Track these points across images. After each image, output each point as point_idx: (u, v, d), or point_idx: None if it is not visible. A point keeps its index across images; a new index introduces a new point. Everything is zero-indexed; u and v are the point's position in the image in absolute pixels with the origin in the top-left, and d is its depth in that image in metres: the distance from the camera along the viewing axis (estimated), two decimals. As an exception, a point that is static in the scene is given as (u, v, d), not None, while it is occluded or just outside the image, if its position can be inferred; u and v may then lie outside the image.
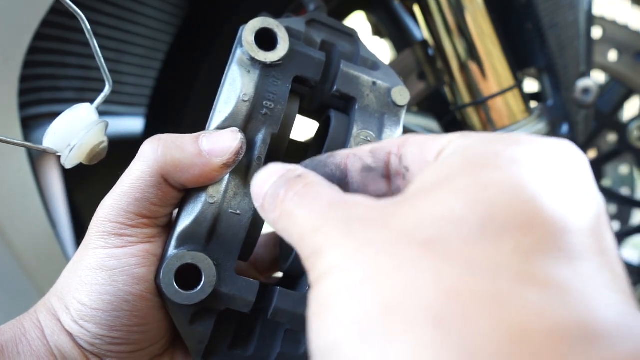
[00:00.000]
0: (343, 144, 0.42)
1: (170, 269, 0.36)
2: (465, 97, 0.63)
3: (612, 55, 0.69)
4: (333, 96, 0.43)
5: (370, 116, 0.43)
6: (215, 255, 0.38)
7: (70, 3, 0.39)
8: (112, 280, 0.36)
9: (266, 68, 0.41)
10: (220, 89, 0.42)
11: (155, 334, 0.38)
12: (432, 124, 0.65)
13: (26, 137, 0.59)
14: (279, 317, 0.39)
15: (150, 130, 0.79)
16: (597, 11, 0.64)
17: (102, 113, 0.78)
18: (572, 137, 0.66)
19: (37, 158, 0.63)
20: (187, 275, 0.36)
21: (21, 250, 0.58)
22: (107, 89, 0.42)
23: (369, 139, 0.42)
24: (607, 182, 1.00)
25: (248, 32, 0.41)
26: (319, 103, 0.45)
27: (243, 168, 0.39)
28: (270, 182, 0.30)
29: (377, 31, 1.07)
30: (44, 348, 0.36)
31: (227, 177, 0.39)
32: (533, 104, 0.66)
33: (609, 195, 0.79)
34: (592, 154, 0.99)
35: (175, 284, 0.36)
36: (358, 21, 0.99)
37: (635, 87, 0.70)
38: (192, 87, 0.73)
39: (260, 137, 0.40)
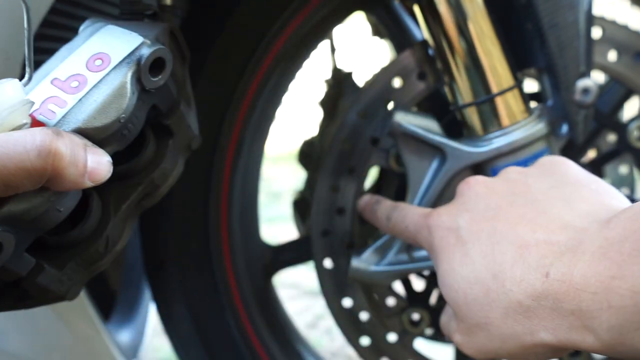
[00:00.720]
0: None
1: None
2: (465, 97, 0.63)
3: (612, 56, 0.69)
4: (158, 123, 0.47)
5: (175, 153, 0.49)
6: (19, 236, 0.38)
7: None
8: None
9: (143, 92, 0.43)
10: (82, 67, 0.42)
11: None
12: (432, 124, 0.66)
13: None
14: (32, 290, 0.42)
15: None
16: (596, 11, 0.64)
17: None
18: (571, 137, 0.66)
19: None
20: None
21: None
22: (26, 77, 0.41)
23: (165, 172, 0.50)
24: (606, 182, 1.00)
25: (151, 56, 0.42)
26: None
27: None
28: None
29: (376, 31, 1.07)
30: None
31: None
32: (532, 104, 0.66)
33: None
34: (592, 154, 0.99)
35: None
36: (358, 21, 0.99)
37: (635, 87, 0.70)
38: (193, 86, 0.73)
39: (107, 150, 0.42)
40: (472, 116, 0.63)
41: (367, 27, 1.08)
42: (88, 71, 0.42)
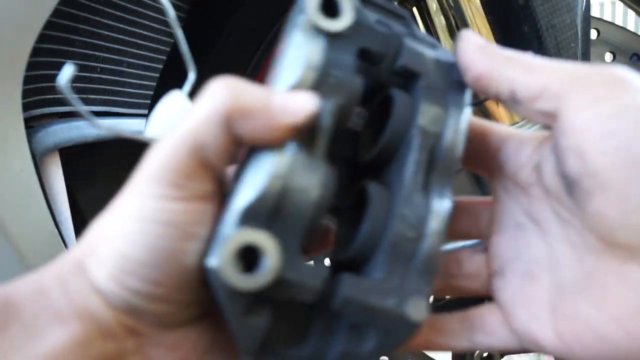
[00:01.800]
0: (408, 124, 0.38)
1: (231, 248, 0.30)
2: (464, 98, 0.64)
3: (608, 57, 0.69)
4: (394, 74, 0.39)
5: (435, 95, 0.39)
6: (278, 236, 0.32)
7: None
8: (166, 234, 0.31)
9: (331, 38, 0.37)
10: (276, 61, 0.38)
11: (196, 296, 0.33)
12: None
13: (28, 137, 0.60)
14: (347, 309, 0.34)
15: (152, 130, 0.80)
16: (593, 13, 0.65)
17: (103, 114, 0.79)
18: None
19: (40, 158, 0.63)
20: (244, 258, 0.31)
21: (25, 251, 0.58)
22: (191, 76, 0.40)
23: (436, 116, 0.39)
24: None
25: None
26: (372, 85, 0.40)
27: (307, 140, 0.34)
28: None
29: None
30: (68, 309, 0.30)
31: (292, 149, 0.34)
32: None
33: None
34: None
35: (235, 266, 0.30)
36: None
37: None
38: (194, 86, 0.74)
39: (327, 108, 0.35)
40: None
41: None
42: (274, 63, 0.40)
